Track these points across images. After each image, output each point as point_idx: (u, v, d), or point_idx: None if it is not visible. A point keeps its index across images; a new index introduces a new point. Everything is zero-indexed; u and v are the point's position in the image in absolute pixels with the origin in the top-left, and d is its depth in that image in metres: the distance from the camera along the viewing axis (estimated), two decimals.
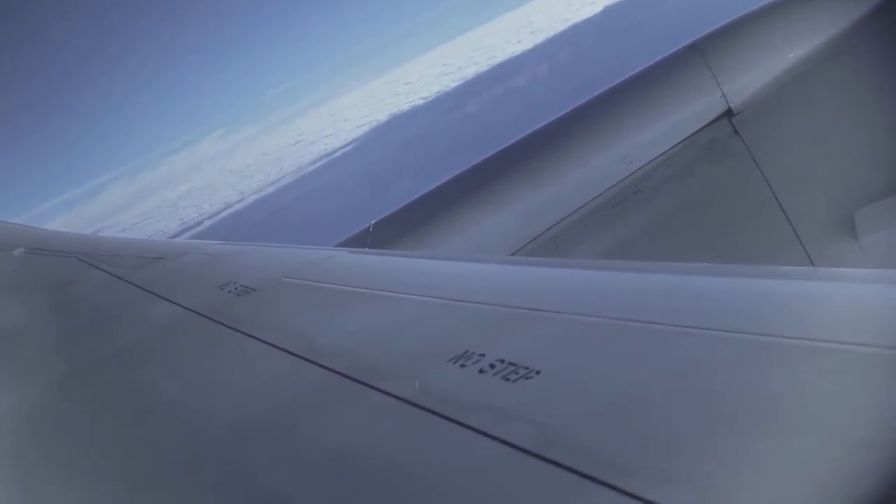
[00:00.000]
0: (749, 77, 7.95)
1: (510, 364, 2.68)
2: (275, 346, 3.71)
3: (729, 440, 1.94)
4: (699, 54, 8.05)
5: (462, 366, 2.81)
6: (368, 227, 8.25)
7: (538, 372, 2.58)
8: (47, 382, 4.64)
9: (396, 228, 8.21)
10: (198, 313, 4.55)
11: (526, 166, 8.21)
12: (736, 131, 7.94)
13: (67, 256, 6.92)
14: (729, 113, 7.93)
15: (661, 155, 7.96)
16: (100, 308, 5.70)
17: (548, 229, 7.82)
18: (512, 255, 7.74)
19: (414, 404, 2.69)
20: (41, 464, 3.86)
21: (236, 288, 4.73)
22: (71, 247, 7.27)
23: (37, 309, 6.11)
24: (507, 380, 2.59)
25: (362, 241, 8.11)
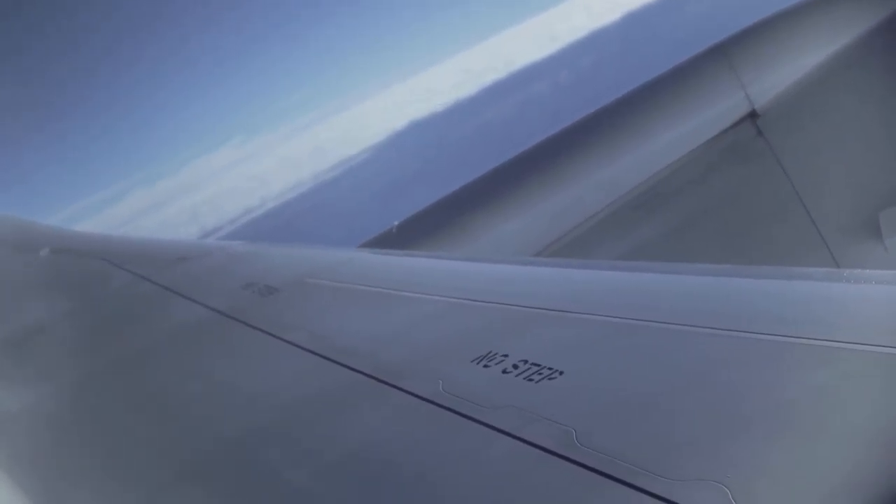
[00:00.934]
0: (773, 78, 7.96)
1: (533, 364, 2.72)
2: (298, 346, 3.78)
3: (751, 440, 1.95)
4: (723, 56, 8.06)
5: (485, 366, 2.86)
6: (392, 229, 8.29)
7: (561, 372, 2.62)
8: (72, 381, 4.69)
9: (420, 230, 8.25)
10: (221, 313, 4.64)
11: (548, 169, 8.24)
12: (760, 132, 7.94)
13: (93, 257, 7.06)
14: (753, 114, 7.94)
15: (685, 156, 7.97)
16: (124, 308, 5.76)
17: (570, 231, 7.85)
18: (535, 255, 7.77)
19: (437, 404, 2.73)
20: (69, 461, 3.90)
21: (260, 288, 4.83)
22: (97, 247, 7.44)
23: (62, 308, 6.17)
24: (531, 380, 2.63)
25: (386, 242, 8.15)
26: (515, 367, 2.75)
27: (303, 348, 3.73)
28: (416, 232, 8.15)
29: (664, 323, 2.83)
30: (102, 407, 4.26)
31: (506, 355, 2.87)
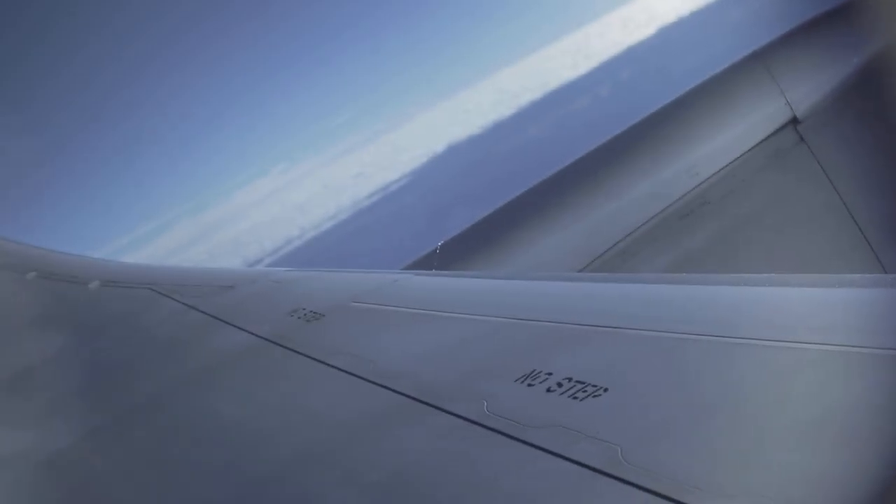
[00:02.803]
0: (812, 83, 7.86)
1: (577, 382, 2.71)
2: (344, 371, 3.79)
3: (802, 455, 1.92)
4: (761, 63, 7.99)
5: (529, 385, 2.85)
6: (435, 249, 8.28)
7: (606, 389, 2.60)
8: (122, 409, 4.79)
9: (462, 249, 8.23)
10: (268, 340, 4.68)
11: (589, 183, 8.19)
12: (802, 139, 7.85)
13: (140, 287, 7.12)
14: (794, 121, 7.85)
15: (727, 165, 7.89)
16: (172, 337, 5.81)
17: (614, 245, 7.78)
18: (578, 271, 7.71)
19: (482, 425, 2.73)
20: (128, 487, 3.94)
21: (305, 314, 4.85)
22: (144, 278, 7.46)
23: (111, 339, 6.29)
24: (575, 398, 2.62)
25: (429, 263, 8.14)
26: (559, 385, 2.74)
27: (348, 373, 3.74)
28: (458, 252, 8.13)
29: (710, 336, 2.79)
30: (149, 435, 4.31)
31: (550, 373, 2.85)
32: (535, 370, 2.93)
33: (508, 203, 8.63)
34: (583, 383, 2.68)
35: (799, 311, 2.94)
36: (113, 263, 9.77)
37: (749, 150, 7.85)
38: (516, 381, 2.91)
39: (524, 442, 2.49)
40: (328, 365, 3.96)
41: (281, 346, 4.52)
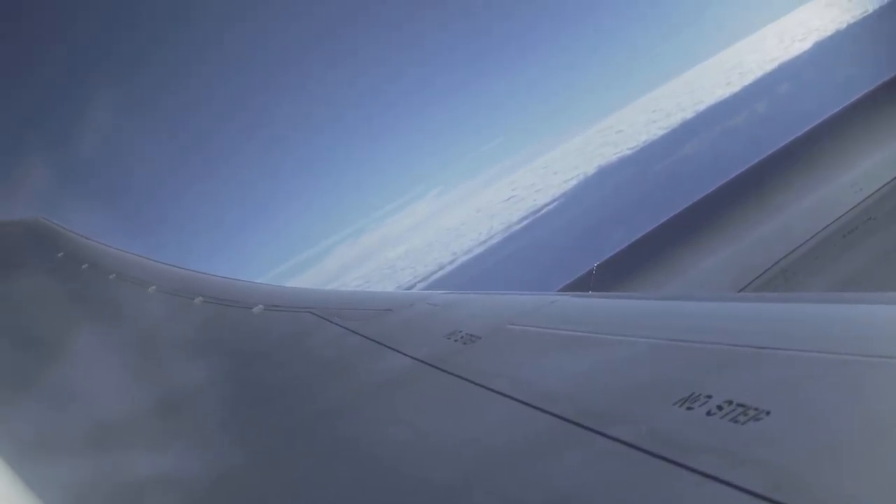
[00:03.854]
0: None
1: (738, 405, 2.65)
2: (501, 394, 3.79)
3: None
4: None
5: (688, 408, 2.80)
6: (591, 271, 8.31)
7: (768, 413, 2.54)
8: (284, 431, 4.96)
9: (619, 270, 8.21)
10: (426, 363, 4.72)
11: (749, 200, 8.05)
12: None
13: (302, 311, 7.35)
14: None
15: (893, 180, 7.61)
16: (333, 360, 5.95)
17: (776, 263, 7.64)
18: (739, 291, 7.62)
19: (640, 449, 2.71)
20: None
21: (462, 337, 4.87)
22: (305, 302, 7.69)
23: (276, 362, 6.54)
24: (736, 422, 2.56)
25: (585, 284, 8.20)
26: (720, 408, 2.69)
27: (506, 395, 3.74)
28: (615, 272, 8.15)
29: (878, 357, 2.69)
30: (317, 455, 4.44)
31: (709, 396, 2.80)
32: (694, 393, 2.86)
33: (666, 222, 8.56)
34: (744, 406, 2.61)
35: None
36: (275, 288, 10.16)
37: None
38: (675, 404, 2.85)
39: (685, 466, 2.46)
40: (486, 388, 3.95)
41: (438, 368, 4.53)
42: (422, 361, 4.76)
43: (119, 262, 14.55)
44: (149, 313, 10.65)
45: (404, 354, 5.04)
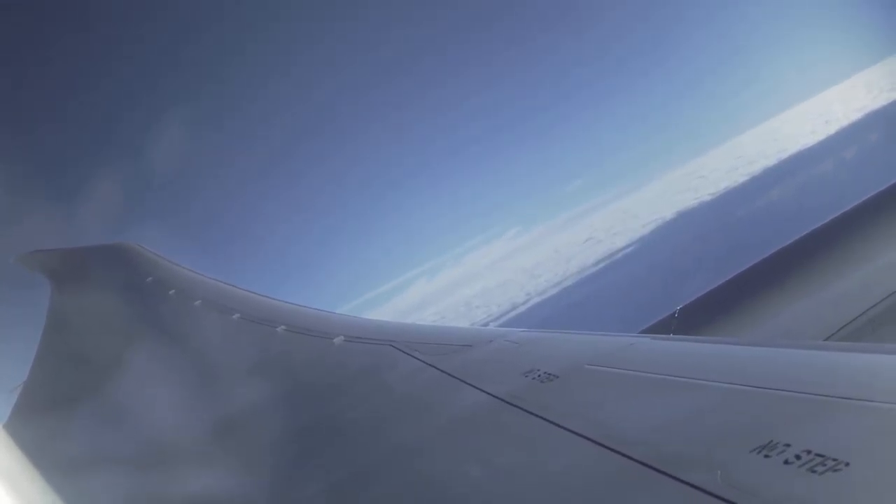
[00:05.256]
0: None
1: (817, 455, 2.61)
2: (577, 434, 3.79)
3: None
4: None
5: (766, 456, 2.77)
6: (674, 313, 8.25)
7: (847, 464, 2.49)
8: (357, 462, 5.04)
9: (702, 314, 8.13)
10: (503, 400, 4.74)
11: (838, 248, 7.93)
12: None
13: (382, 344, 7.43)
14: None
15: None
16: (412, 394, 5.99)
17: (863, 312, 7.45)
18: (825, 340, 7.43)
19: (715, 495, 2.69)
20: None
21: (539, 375, 4.88)
22: (385, 334, 7.77)
23: (356, 394, 6.61)
24: (814, 472, 2.53)
25: (667, 327, 8.13)
26: (798, 457, 2.65)
27: (582, 436, 3.73)
28: (698, 316, 8.08)
29: None
30: (394, 487, 4.46)
31: (788, 445, 2.77)
32: (772, 441, 2.83)
33: (749, 269, 8.48)
34: (822, 456, 2.58)
35: None
36: (355, 319, 10.33)
37: None
38: (753, 451, 2.83)
39: None
40: (561, 427, 3.96)
41: (516, 406, 4.55)
42: (499, 398, 4.79)
43: (205, 288, 14.98)
44: (232, 340, 10.94)
45: (482, 391, 5.07)
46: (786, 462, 2.66)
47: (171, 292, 15.29)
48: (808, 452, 2.65)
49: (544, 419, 4.18)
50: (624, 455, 3.33)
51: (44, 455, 6.53)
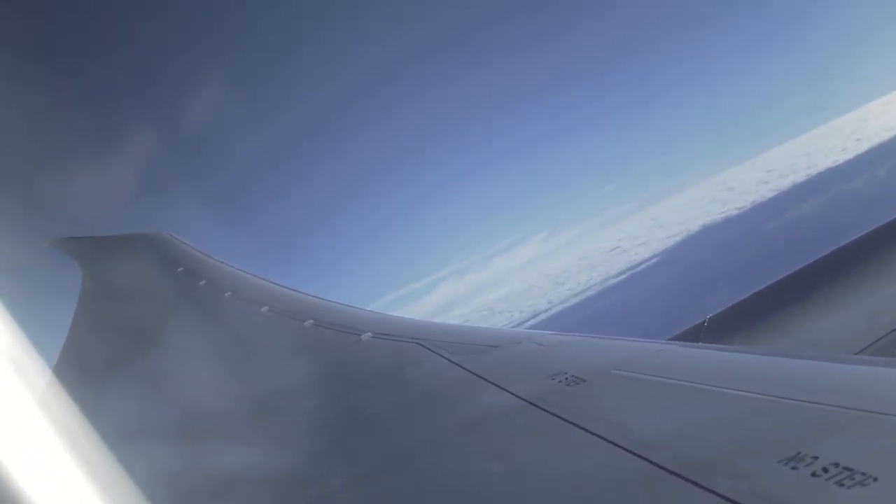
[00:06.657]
0: None
1: (845, 469, 2.60)
2: (601, 438, 3.79)
3: None
4: None
5: (793, 468, 2.75)
6: (703, 322, 8.22)
7: (875, 479, 2.49)
8: (379, 457, 5.08)
9: (732, 323, 8.11)
10: (529, 402, 4.74)
11: (868, 263, 7.89)
12: None
13: (409, 342, 7.45)
14: None
15: None
16: (439, 393, 6.02)
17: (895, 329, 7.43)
18: (856, 354, 7.37)
19: None
20: None
21: (566, 378, 4.88)
22: (413, 332, 7.80)
23: (383, 390, 6.66)
24: (842, 485, 2.52)
25: (696, 335, 8.11)
26: (825, 470, 2.64)
27: (606, 440, 3.73)
28: (728, 325, 8.06)
29: None
30: (414, 485, 4.49)
31: (816, 457, 2.75)
32: (800, 453, 2.81)
33: (780, 281, 8.44)
34: (850, 470, 2.57)
35: None
36: (383, 316, 10.30)
37: None
38: (779, 462, 2.81)
39: None
40: (586, 430, 3.96)
41: (541, 408, 4.55)
42: (525, 400, 4.80)
43: (235, 280, 15.10)
44: (260, 332, 11.03)
45: (508, 392, 5.07)
46: (813, 475, 2.65)
47: (202, 283, 15.42)
48: (836, 465, 2.64)
49: (570, 422, 4.18)
50: (649, 461, 3.32)
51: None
